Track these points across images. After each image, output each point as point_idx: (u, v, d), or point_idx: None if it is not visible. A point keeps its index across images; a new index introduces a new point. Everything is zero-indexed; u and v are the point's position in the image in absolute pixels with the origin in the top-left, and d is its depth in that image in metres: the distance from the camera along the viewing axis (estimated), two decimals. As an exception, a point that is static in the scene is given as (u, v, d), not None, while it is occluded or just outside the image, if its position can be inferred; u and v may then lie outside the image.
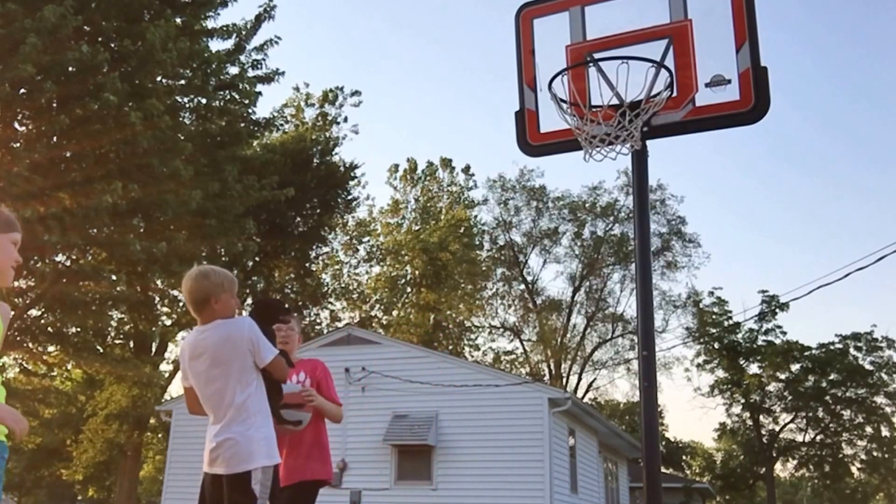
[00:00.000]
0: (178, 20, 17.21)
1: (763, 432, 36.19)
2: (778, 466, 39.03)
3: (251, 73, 19.89)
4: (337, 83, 50.39)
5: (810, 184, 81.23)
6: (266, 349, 3.42)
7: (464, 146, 79.71)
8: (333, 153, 28.96)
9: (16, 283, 16.78)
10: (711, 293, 35.37)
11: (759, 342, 34.87)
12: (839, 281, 7.18)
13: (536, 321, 36.64)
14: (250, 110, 21.00)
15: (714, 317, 35.26)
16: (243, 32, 19.26)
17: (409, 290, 36.09)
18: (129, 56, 15.74)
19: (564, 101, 5.39)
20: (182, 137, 17.12)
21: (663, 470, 21.01)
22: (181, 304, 22.60)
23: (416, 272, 35.36)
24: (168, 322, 24.33)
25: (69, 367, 25.54)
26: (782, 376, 35.33)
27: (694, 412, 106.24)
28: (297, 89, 32.97)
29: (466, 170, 38.98)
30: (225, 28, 18.96)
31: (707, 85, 5.34)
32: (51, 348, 19.04)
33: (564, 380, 35.71)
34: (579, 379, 36.99)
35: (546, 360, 37.05)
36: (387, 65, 75.59)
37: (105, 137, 15.37)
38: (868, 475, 39.55)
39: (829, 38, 71.58)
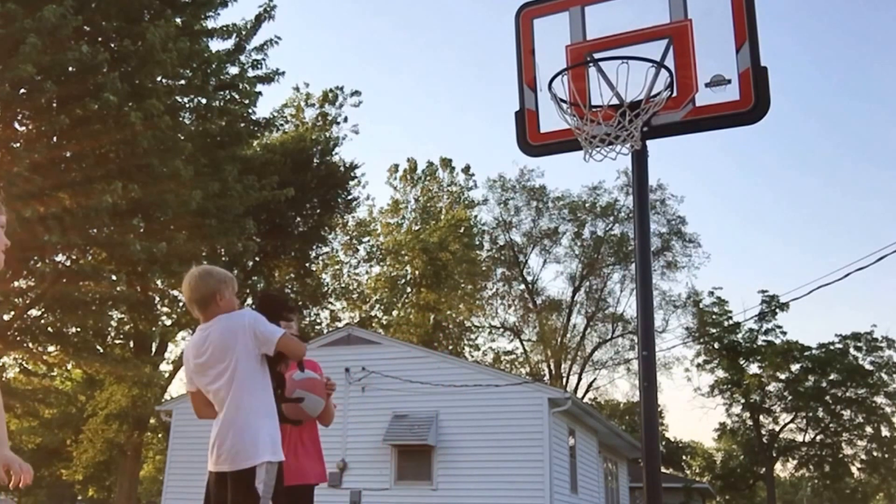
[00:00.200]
0: (178, 20, 17.20)
1: (763, 432, 36.19)
2: (778, 466, 39.04)
3: (251, 73, 19.89)
4: (337, 83, 50.30)
5: (810, 184, 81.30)
6: (271, 330, 3.35)
7: (464, 146, 79.77)
8: (333, 153, 28.95)
9: (16, 283, 16.82)
10: (711, 293, 35.40)
11: (759, 342, 34.87)
12: (839, 281, 7.18)
13: (536, 321, 36.64)
14: (250, 110, 21.00)
15: (714, 317, 35.25)
16: (243, 32, 19.25)
17: (409, 290, 36.09)
18: (129, 56, 15.74)
19: (564, 101, 5.39)
20: (182, 137, 17.11)
21: (663, 470, 21.02)
22: (181, 304, 22.59)
23: (416, 272, 35.37)
24: (168, 322, 24.32)
25: (69, 367, 25.56)
26: (782, 376, 35.33)
27: (694, 412, 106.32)
28: (297, 89, 33.01)
29: (466, 170, 39.02)
30: (225, 28, 18.95)
31: (707, 85, 5.34)
32: (51, 348, 19.03)
33: (564, 380, 35.71)
34: (579, 379, 37.01)
35: (546, 360, 37.05)
36: (387, 65, 75.65)
37: (105, 137, 15.36)
38: (868, 475, 39.54)
39: (830, 37, 71.60)
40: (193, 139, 17.48)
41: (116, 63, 15.55)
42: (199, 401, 3.51)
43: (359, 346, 17.68)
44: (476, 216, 37.48)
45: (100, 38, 16.26)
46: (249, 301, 25.38)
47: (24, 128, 16.47)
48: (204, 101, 18.94)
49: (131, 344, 25.12)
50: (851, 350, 34.78)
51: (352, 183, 29.64)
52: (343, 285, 34.66)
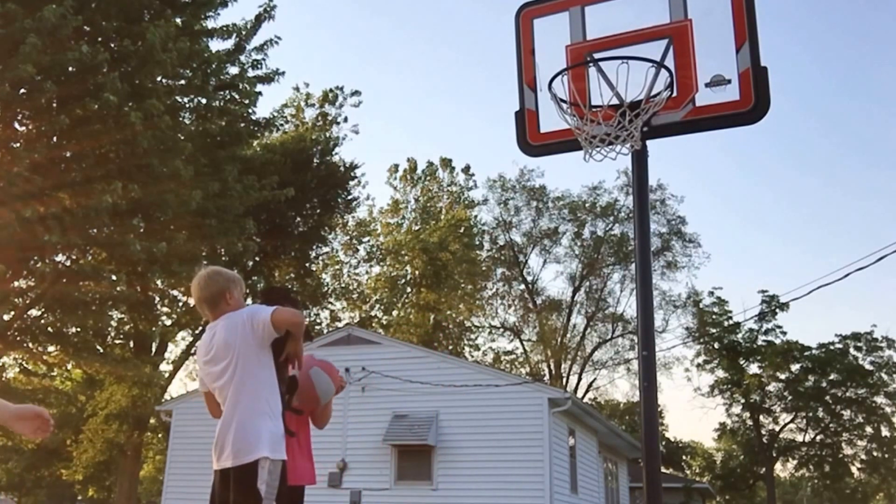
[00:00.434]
0: (178, 20, 17.20)
1: (763, 432, 36.20)
2: (778, 466, 39.05)
3: (251, 73, 19.88)
4: (337, 83, 50.34)
5: (811, 183, 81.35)
6: (263, 310, 3.33)
7: (464, 146, 79.81)
8: (333, 153, 28.94)
9: (16, 283, 16.81)
10: (711, 293, 35.45)
11: (759, 342, 34.90)
12: (839, 281, 7.20)
13: (536, 321, 36.64)
14: (250, 110, 20.98)
15: (714, 317, 35.27)
16: (243, 32, 19.24)
17: (409, 290, 36.09)
18: (129, 56, 15.73)
19: (564, 101, 5.39)
20: (182, 137, 17.10)
21: (663, 470, 21.01)
22: (181, 304, 22.62)
23: (416, 272, 35.36)
24: (168, 322, 24.33)
25: (69, 367, 25.56)
26: (782, 376, 35.34)
27: (694, 412, 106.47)
28: (297, 89, 32.99)
29: (466, 170, 39.03)
30: (225, 28, 18.94)
31: (707, 85, 5.34)
32: (51, 348, 19.02)
33: (564, 380, 35.72)
34: (579, 379, 37.02)
35: (546, 360, 37.05)
36: (387, 65, 75.65)
37: (105, 137, 15.35)
38: (868, 475, 39.56)
39: (830, 37, 71.62)
40: (193, 139, 17.48)
41: (116, 63, 15.54)
42: (211, 401, 3.53)
43: (359, 346, 17.68)
44: (476, 216, 37.53)
45: (100, 38, 16.24)
46: (250, 301, 25.37)
47: (24, 128, 16.46)
48: (204, 101, 18.93)
49: (131, 344, 25.11)
50: (851, 350, 34.82)
51: (352, 183, 29.64)
52: (343, 285, 34.67)
